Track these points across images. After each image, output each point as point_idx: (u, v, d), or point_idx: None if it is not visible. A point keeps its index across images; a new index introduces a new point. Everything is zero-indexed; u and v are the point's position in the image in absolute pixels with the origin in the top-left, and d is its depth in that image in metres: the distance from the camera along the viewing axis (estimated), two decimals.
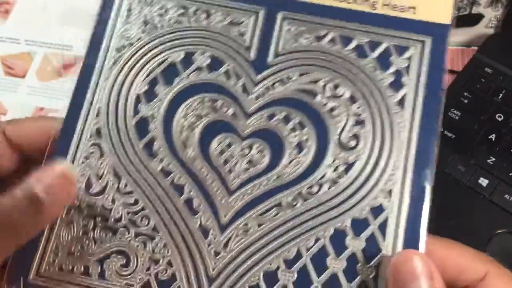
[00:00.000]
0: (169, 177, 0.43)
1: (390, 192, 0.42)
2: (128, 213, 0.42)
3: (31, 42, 0.51)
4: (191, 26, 0.47)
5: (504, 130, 0.70)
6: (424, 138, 0.42)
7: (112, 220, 0.42)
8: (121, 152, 0.44)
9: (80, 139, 0.44)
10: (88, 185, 0.43)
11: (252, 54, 0.46)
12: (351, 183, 0.42)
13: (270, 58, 0.46)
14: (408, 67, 0.44)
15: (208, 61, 0.46)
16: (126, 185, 0.43)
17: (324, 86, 0.45)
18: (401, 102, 0.44)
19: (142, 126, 0.45)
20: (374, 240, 0.41)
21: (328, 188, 0.42)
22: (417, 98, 0.43)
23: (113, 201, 0.43)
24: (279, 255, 0.41)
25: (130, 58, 0.46)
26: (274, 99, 0.45)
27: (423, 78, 0.44)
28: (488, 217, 0.63)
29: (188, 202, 0.43)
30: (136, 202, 0.43)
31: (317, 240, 0.41)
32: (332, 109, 0.44)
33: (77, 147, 0.44)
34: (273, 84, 0.45)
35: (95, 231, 0.42)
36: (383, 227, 0.41)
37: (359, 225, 0.41)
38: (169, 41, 0.47)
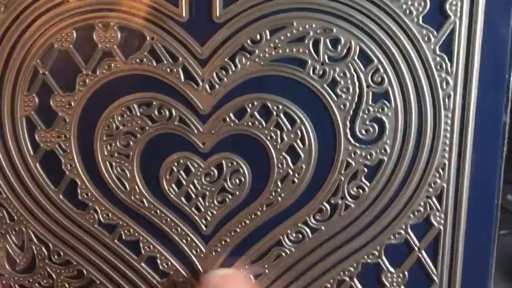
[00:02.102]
0: (114, 232, 0.30)
1: (439, 199, 0.28)
2: None
3: None
4: None
5: None
6: (484, 127, 0.26)
7: None
8: (34, 208, 0.30)
9: None
10: (11, 260, 0.31)
11: (183, 9, 0.27)
12: (378, 195, 0.28)
13: (217, 11, 0.27)
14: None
15: (118, 35, 0.27)
16: (58, 254, 0.30)
17: (316, 44, 0.27)
18: (448, 69, 0.26)
19: (51, 165, 0.29)
20: (420, 269, 0.29)
21: (345, 209, 0.28)
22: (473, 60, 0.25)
23: (50, 276, 0.31)
24: None
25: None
26: (238, 84, 0.28)
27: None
28: None
29: (150, 262, 0.30)
30: (80, 273, 0.30)
31: (340, 283, 0.29)
32: (333, 82, 0.27)
33: None
34: (232, 56, 0.27)
35: None
36: (431, 252, 0.28)
37: (395, 253, 0.29)
38: (42, 14, 0.28)
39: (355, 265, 0.29)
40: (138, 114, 0.28)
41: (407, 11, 0.26)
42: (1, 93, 0.29)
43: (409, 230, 0.28)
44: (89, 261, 0.30)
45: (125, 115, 0.28)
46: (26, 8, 0.27)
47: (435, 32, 0.26)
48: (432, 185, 0.27)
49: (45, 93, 0.28)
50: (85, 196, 0.29)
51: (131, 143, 0.29)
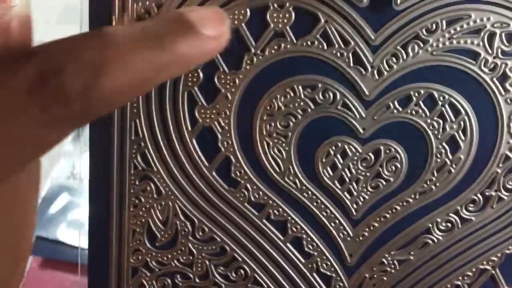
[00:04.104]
0: (262, 212, 0.30)
1: None
2: (215, 266, 0.31)
3: None
4: None
5: None
6: None
7: (196, 277, 0.31)
8: (184, 184, 0.30)
9: (121, 171, 0.30)
10: (151, 236, 0.31)
11: None
12: None
13: None
14: None
15: (292, 16, 0.27)
16: (203, 230, 0.30)
17: (491, 37, 0.27)
18: None
19: (207, 142, 0.29)
20: None
21: (498, 201, 0.29)
22: None
23: (191, 253, 0.31)
24: None
25: None
26: (407, 72, 0.28)
27: None
28: None
29: (296, 242, 0.30)
30: (223, 251, 0.31)
31: (481, 272, 0.30)
32: (503, 76, 0.28)
33: (121, 184, 0.30)
34: (404, 45, 0.28)
35: None
36: None
37: None
38: None
39: (499, 255, 0.30)
40: (302, 96, 0.28)
41: None
42: None
43: None
44: (234, 238, 0.30)
45: (288, 96, 0.28)
46: None
47: None
48: None
49: (209, 69, 0.28)
50: (238, 174, 0.30)
51: (291, 124, 0.29)
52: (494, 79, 0.27)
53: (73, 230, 0.48)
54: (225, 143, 0.29)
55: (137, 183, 0.30)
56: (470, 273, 0.30)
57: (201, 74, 0.28)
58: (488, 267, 0.30)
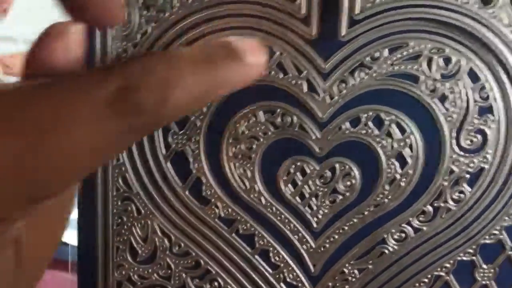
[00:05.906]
0: (232, 227, 0.33)
1: None
2: (191, 278, 0.34)
3: (30, 41, 0.47)
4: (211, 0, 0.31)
5: None
6: None
7: None
8: (161, 203, 0.33)
9: (105, 194, 0.33)
10: (132, 252, 0.34)
11: (313, 29, 0.30)
12: (478, 200, 0.31)
13: (342, 31, 0.30)
14: None
15: None
16: (179, 245, 0.33)
17: (429, 62, 0.30)
18: None
19: (180, 165, 0.32)
20: (510, 266, 0.32)
21: (447, 212, 0.31)
22: None
23: (169, 267, 0.34)
24: None
25: None
26: (355, 96, 0.31)
27: None
28: None
29: (263, 255, 0.33)
30: (197, 264, 0.33)
31: (436, 278, 0.32)
32: (443, 97, 0.30)
33: (105, 205, 0.33)
34: (351, 71, 0.31)
35: None
36: None
37: (489, 251, 0.32)
38: (186, 29, 0.31)
39: (451, 262, 0.32)
40: (263, 120, 0.31)
41: None
42: None
43: (503, 232, 0.31)
44: (207, 252, 0.33)
45: (250, 121, 0.32)
46: (173, 25, 0.31)
47: None
48: None
49: None
50: (209, 193, 0.33)
51: (254, 146, 0.32)
52: (435, 99, 0.30)
53: (73, 230, 0.51)
54: (196, 165, 0.32)
55: (119, 203, 0.33)
56: (426, 280, 0.32)
57: None
58: (442, 274, 0.32)
